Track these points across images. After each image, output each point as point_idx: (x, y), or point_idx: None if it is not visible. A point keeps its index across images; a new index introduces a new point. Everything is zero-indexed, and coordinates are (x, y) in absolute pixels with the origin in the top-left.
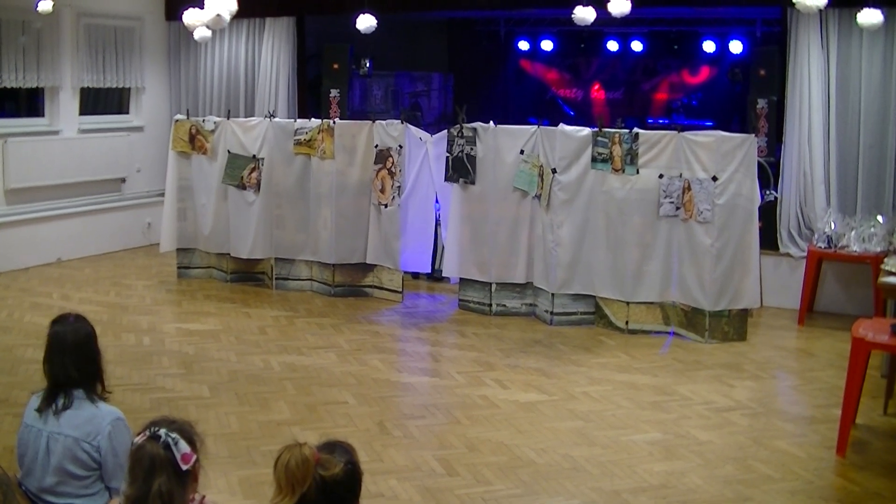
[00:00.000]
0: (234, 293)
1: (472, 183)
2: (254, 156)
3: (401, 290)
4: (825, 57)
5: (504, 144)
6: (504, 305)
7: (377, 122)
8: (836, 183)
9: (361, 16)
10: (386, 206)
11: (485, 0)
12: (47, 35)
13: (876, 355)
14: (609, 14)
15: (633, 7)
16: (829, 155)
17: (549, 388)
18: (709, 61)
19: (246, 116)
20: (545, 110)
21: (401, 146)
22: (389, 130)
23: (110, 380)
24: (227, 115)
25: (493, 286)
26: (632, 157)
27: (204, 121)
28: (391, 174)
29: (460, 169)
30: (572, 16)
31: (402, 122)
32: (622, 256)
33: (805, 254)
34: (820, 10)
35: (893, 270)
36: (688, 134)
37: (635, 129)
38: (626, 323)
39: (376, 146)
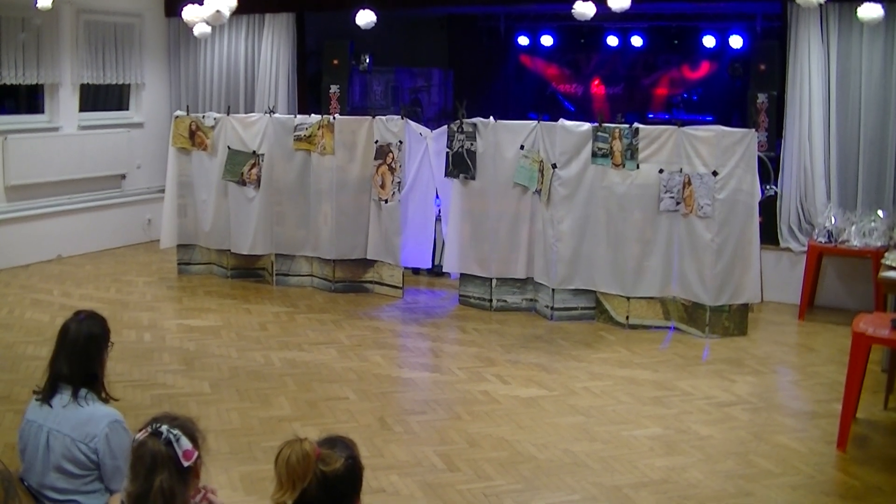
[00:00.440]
0: (235, 289)
1: (473, 178)
2: (254, 152)
3: (401, 285)
4: (825, 52)
5: (504, 140)
6: (504, 301)
7: (377, 117)
8: (836, 178)
9: (361, 12)
10: (386, 201)
11: None
12: (47, 32)
13: (876, 350)
14: (609, 9)
15: (632, 2)
16: (829, 150)
17: (549, 384)
18: (709, 56)
19: (246, 112)
20: (545, 106)
21: (401, 142)
22: (389, 126)
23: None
24: (227, 111)
25: (494, 282)
26: (632, 153)
27: (204, 117)
28: (391, 170)
29: (460, 164)
30: (572, 11)
31: (403, 118)
32: (623, 251)
33: (805, 249)
34: (820, 5)
35: (894, 265)
36: (688, 129)
37: (635, 124)
38: (627, 318)
39: (376, 142)
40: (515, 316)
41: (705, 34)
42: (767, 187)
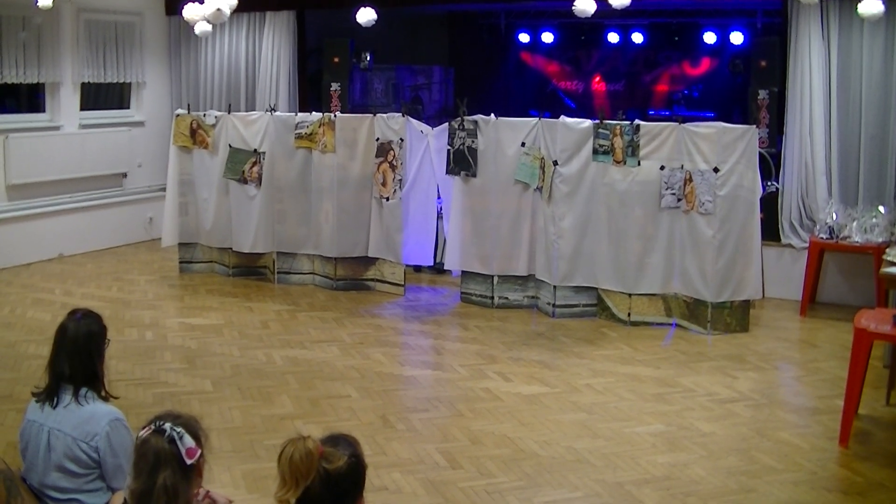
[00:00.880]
0: (237, 287)
1: (474, 176)
2: (255, 150)
3: (403, 283)
4: (826, 48)
5: (505, 137)
6: (506, 298)
7: (378, 115)
8: (837, 174)
9: (362, 9)
10: (387, 199)
11: None
12: (47, 30)
13: (878, 346)
14: (609, 6)
15: None
16: (830, 146)
17: (551, 381)
18: (710, 53)
19: (247, 111)
20: (546, 103)
21: (402, 139)
22: (390, 124)
23: (111, 376)
24: (228, 109)
25: (495, 279)
26: (633, 149)
27: (205, 115)
28: (392, 167)
29: (461, 162)
30: (573, 8)
31: (403, 116)
32: (624, 248)
33: (807, 245)
34: (821, 1)
35: (895, 261)
36: (689, 125)
37: (636, 121)
38: (629, 315)
39: (377, 139)
40: (517, 313)
41: (706, 31)
42: (768, 183)
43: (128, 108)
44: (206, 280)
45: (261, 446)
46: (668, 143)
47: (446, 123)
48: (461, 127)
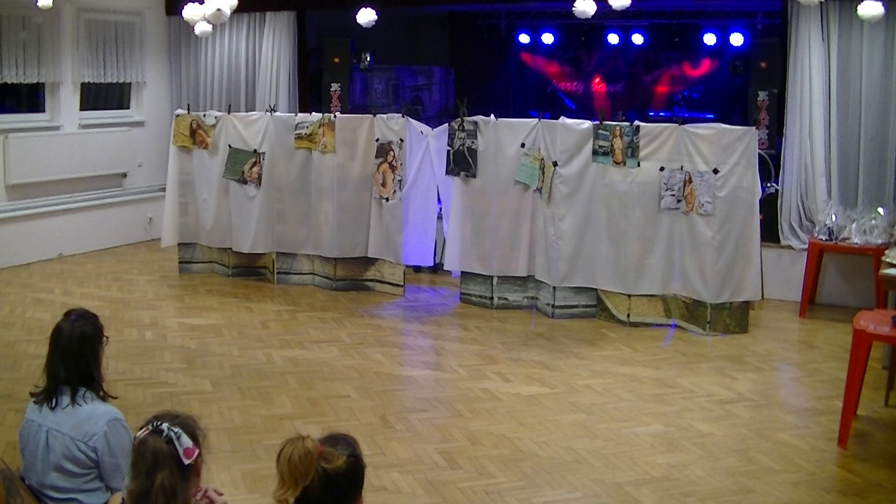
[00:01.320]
0: (236, 288)
1: (474, 176)
2: (255, 150)
3: (402, 283)
4: (826, 49)
5: (505, 138)
6: (506, 299)
7: (378, 115)
8: (837, 175)
9: (362, 10)
10: (387, 199)
11: None
12: (48, 30)
13: (877, 347)
14: (609, 7)
15: (633, 0)
16: (830, 147)
17: (551, 381)
18: (710, 54)
19: (247, 111)
20: (546, 103)
21: (402, 140)
22: (390, 124)
23: (111, 376)
24: (228, 109)
25: (495, 279)
26: (633, 150)
27: (205, 115)
28: (392, 168)
29: (461, 162)
30: (573, 9)
31: (403, 116)
32: (624, 249)
33: (806, 246)
34: (820, 3)
35: (894, 262)
36: (689, 126)
37: (636, 122)
38: (628, 316)
39: (377, 140)
40: (516, 314)
41: (706, 32)
42: (768, 185)
43: (128, 108)
44: (206, 280)
45: (260, 446)
46: (667, 144)
47: (446, 124)
48: (461, 128)
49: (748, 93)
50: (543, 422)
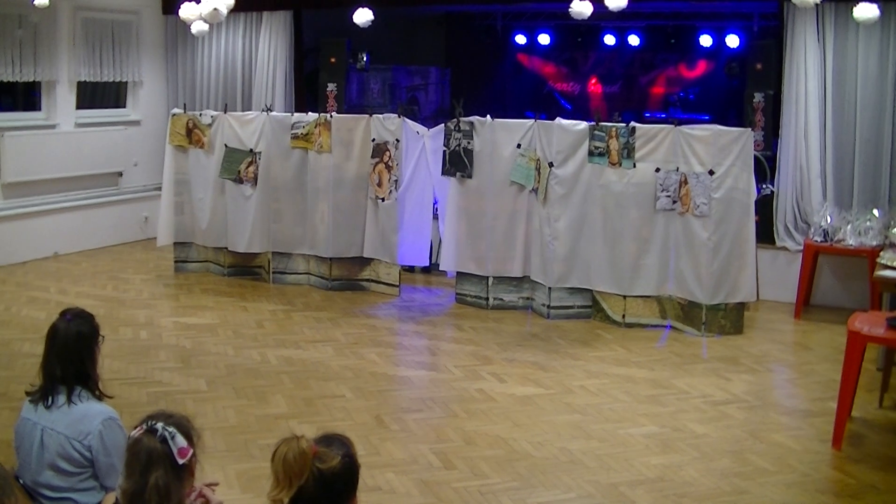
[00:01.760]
0: (232, 287)
1: (469, 177)
2: (251, 150)
3: (398, 283)
4: (822, 51)
5: (501, 138)
6: (501, 299)
7: (374, 116)
8: (832, 177)
9: (358, 10)
10: (383, 199)
11: None
12: (44, 29)
13: (872, 349)
14: (606, 8)
15: (629, 1)
16: (825, 149)
17: (546, 382)
18: (706, 55)
19: (243, 110)
20: (542, 104)
21: (398, 140)
22: (387, 124)
23: (106, 375)
24: (224, 109)
25: (490, 280)
26: (629, 151)
27: (201, 115)
28: (388, 168)
29: (457, 163)
30: (569, 10)
31: (400, 116)
32: (619, 250)
33: (801, 247)
34: (816, 5)
35: (889, 264)
36: (685, 128)
37: (632, 123)
38: (623, 317)
39: (373, 140)
40: (512, 314)
41: (702, 33)
42: (763, 186)
43: (124, 107)
44: (202, 279)
45: (255, 446)
46: (663, 145)
47: (442, 124)
48: (457, 128)
49: (744, 94)
50: (538, 422)
